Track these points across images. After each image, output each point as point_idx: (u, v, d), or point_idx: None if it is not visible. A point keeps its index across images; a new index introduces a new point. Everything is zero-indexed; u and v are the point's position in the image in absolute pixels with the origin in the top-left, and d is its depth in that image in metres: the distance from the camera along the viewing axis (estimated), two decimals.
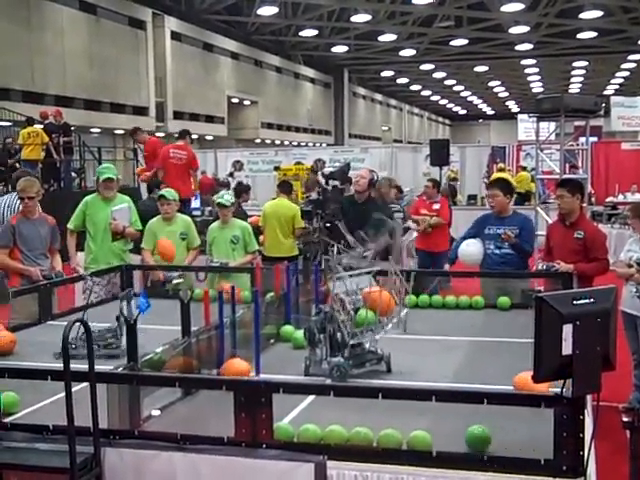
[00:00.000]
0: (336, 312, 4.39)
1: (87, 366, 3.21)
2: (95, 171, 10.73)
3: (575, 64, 46.56)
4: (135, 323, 3.77)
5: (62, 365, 3.11)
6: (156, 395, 3.68)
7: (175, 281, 6.48)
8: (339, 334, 4.36)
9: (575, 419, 2.94)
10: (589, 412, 3.23)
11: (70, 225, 7.68)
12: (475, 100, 66.43)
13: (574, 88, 55.41)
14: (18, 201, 8.20)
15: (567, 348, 2.81)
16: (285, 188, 10.21)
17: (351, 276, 4.53)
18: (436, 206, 10.89)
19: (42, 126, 17.90)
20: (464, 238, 7.30)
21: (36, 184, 7.16)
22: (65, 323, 3.14)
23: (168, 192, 7.74)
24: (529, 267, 7.13)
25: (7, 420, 3.59)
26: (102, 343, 4.90)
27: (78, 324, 3.23)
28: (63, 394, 3.12)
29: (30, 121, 17.91)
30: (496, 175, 20.84)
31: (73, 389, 3.13)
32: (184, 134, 12.63)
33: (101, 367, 3.42)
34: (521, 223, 7.07)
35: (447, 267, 7.54)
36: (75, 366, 3.16)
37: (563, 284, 5.96)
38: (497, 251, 6.94)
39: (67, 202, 12.15)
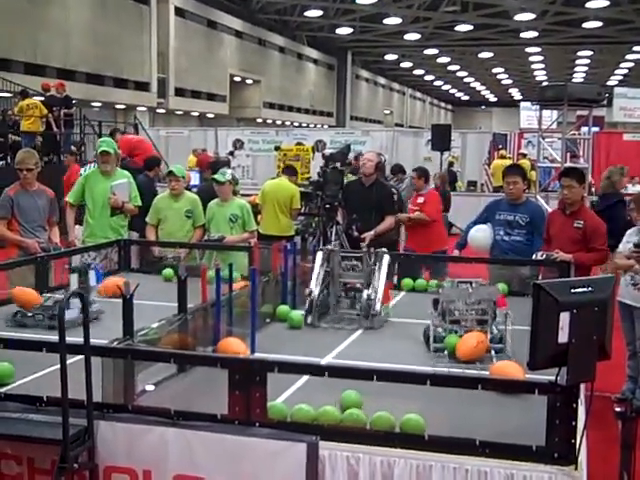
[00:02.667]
0: (433, 317, 4.54)
1: (82, 339, 3.21)
2: (95, 145, 10.73)
3: (580, 53, 46.35)
4: (132, 298, 3.76)
5: (57, 337, 3.10)
6: (151, 370, 3.68)
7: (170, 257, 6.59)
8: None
9: (568, 407, 2.94)
10: (582, 401, 3.24)
11: (69, 198, 7.67)
12: (478, 86, 66.19)
13: (578, 77, 55.18)
14: None
15: (563, 336, 2.81)
16: (290, 171, 10.36)
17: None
18: (420, 200, 9.48)
19: (43, 98, 17.80)
20: (475, 223, 7.25)
21: (35, 156, 7.15)
22: (61, 296, 3.13)
23: (177, 169, 7.72)
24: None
25: (1, 390, 3.59)
26: (48, 314, 4.88)
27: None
28: (58, 366, 3.12)
29: (24, 93, 17.78)
30: (499, 162, 20.86)
31: (68, 362, 3.13)
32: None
33: (97, 341, 3.42)
34: (532, 212, 7.02)
35: (456, 252, 7.49)
36: (71, 339, 3.16)
37: (561, 273, 5.95)
38: (506, 238, 6.89)
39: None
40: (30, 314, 4.94)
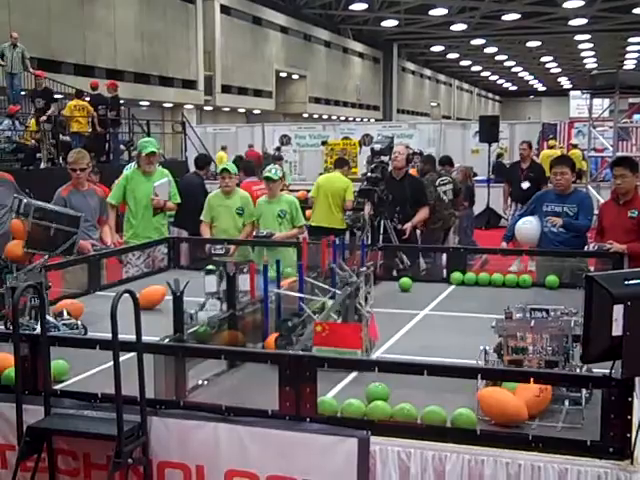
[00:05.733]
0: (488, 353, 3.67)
1: (135, 336, 3.25)
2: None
3: (630, 40, 45.45)
4: (182, 295, 3.80)
5: (110, 335, 3.15)
6: (201, 367, 3.72)
7: (217, 252, 6.55)
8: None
9: (623, 401, 2.90)
10: (637, 394, 3.18)
11: (111, 200, 7.69)
12: (526, 76, 65.37)
13: (629, 64, 54.15)
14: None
15: (617, 329, 2.76)
16: (341, 163, 10.66)
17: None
18: None
19: (88, 98, 18.02)
20: (522, 215, 7.18)
21: (87, 156, 7.25)
22: (112, 294, 3.18)
23: (231, 166, 7.85)
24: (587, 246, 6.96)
25: (57, 387, 3.67)
26: None
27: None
28: (111, 363, 3.17)
29: (79, 93, 18.04)
30: (547, 152, 20.55)
31: (121, 359, 3.17)
32: None
33: (148, 338, 3.46)
34: (580, 200, 6.91)
35: (504, 244, 7.41)
36: (123, 336, 3.20)
37: (614, 264, 5.85)
38: (554, 229, 6.79)
39: (115, 175, 12.29)
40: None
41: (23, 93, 18.67)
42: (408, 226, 7.96)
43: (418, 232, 8.81)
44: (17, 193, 7.22)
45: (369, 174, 7.91)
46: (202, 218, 7.75)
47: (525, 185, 12.13)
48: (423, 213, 8.32)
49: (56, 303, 5.16)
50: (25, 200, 4.85)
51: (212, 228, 7.69)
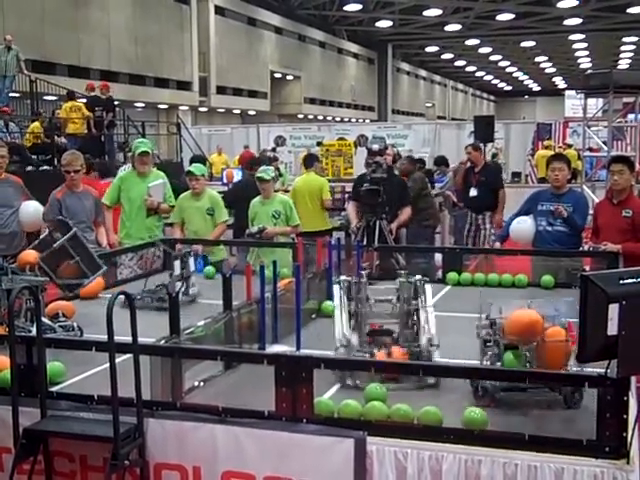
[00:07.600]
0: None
1: (130, 338, 3.25)
2: None
3: (625, 39, 45.55)
4: (177, 296, 3.80)
5: (106, 336, 3.14)
6: (198, 368, 3.72)
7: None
8: None
9: (619, 400, 2.90)
10: (633, 393, 3.19)
11: (106, 200, 7.67)
12: (521, 76, 65.46)
13: (623, 64, 54.26)
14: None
15: (612, 328, 2.76)
16: (308, 162, 10.28)
17: None
18: None
19: (84, 100, 17.97)
20: (517, 215, 7.19)
21: (80, 158, 7.25)
22: (108, 295, 3.18)
23: (196, 168, 7.68)
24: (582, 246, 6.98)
25: (53, 389, 3.66)
26: (155, 297, 5.48)
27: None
28: (107, 365, 3.17)
29: (71, 95, 17.99)
30: (542, 152, 20.60)
31: (117, 360, 3.17)
32: None
33: (144, 339, 3.46)
34: (576, 199, 6.95)
35: (497, 245, 7.42)
36: (119, 338, 3.20)
37: (609, 264, 5.86)
38: (549, 228, 6.81)
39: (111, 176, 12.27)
40: (139, 297, 5.38)
41: (17, 95, 18.62)
42: (394, 226, 7.99)
43: (402, 232, 8.82)
44: (25, 195, 7.26)
45: (372, 175, 7.83)
46: (171, 219, 7.73)
47: (472, 192, 10.50)
48: (406, 213, 8.33)
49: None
50: (71, 224, 4.99)
51: (184, 230, 7.65)
